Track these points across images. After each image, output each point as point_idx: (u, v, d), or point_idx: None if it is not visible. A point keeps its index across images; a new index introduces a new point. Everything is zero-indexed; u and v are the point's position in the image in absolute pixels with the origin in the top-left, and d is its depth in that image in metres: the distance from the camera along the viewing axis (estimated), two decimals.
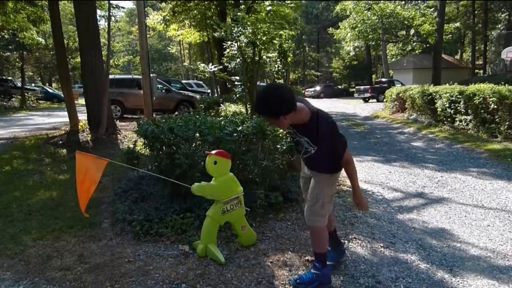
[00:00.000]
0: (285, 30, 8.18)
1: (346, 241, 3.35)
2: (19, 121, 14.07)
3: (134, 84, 14.32)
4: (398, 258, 3.09)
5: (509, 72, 22.99)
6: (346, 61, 42.60)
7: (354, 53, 36.04)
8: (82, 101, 11.76)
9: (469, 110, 8.89)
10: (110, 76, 10.66)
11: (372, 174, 5.90)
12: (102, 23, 23.95)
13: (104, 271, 2.84)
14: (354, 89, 31.85)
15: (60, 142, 8.24)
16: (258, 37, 7.13)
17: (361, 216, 4.00)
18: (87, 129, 8.61)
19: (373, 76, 39.60)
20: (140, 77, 12.10)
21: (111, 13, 10.73)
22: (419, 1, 30.02)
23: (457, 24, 26.23)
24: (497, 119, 8.08)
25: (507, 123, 7.79)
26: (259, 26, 7.18)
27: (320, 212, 2.55)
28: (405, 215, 4.10)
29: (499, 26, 32.41)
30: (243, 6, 12.98)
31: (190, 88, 21.44)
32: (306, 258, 3.02)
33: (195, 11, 16.46)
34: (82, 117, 9.75)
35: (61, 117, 13.97)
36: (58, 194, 4.77)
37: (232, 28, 7.30)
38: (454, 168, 6.12)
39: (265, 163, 3.98)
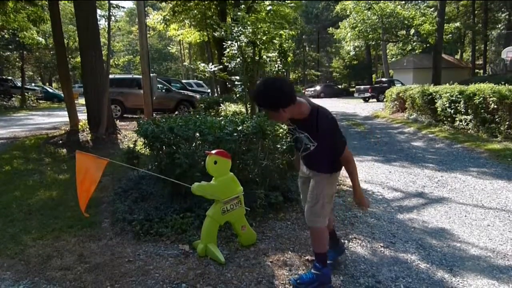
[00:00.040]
0: (285, 30, 8.18)
1: (346, 241, 3.35)
2: (19, 121, 14.07)
3: (134, 84, 14.32)
4: (398, 257, 3.09)
5: (509, 72, 22.97)
6: (346, 60, 42.59)
7: (354, 52, 36.02)
8: (82, 100, 11.76)
9: (469, 110, 8.88)
10: (110, 76, 10.67)
11: (372, 174, 5.90)
12: (102, 23, 23.95)
13: (104, 271, 2.84)
14: (354, 89, 31.84)
15: (60, 141, 8.24)
16: (258, 36, 7.13)
17: (361, 216, 4.00)
18: (87, 129, 8.61)
19: (373, 75, 39.57)
20: (140, 76, 12.10)
21: (111, 13, 10.74)
22: (419, 1, 30.05)
23: (457, 24, 26.25)
24: (497, 119, 8.08)
25: (507, 123, 7.79)
26: (259, 26, 7.18)
27: (321, 212, 2.54)
28: (405, 215, 4.10)
29: (499, 26, 32.41)
30: (243, 5, 12.98)
31: (190, 88, 21.43)
32: (306, 257, 3.01)
33: (195, 11, 16.47)
34: (82, 116, 9.75)
35: (61, 117, 13.97)
36: (58, 193, 4.77)
37: (232, 28, 7.30)
38: (454, 168, 6.12)
39: (265, 163, 3.99)
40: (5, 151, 7.55)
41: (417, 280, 2.75)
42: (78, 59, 13.66)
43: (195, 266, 2.89)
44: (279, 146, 4.21)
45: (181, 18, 17.59)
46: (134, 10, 31.59)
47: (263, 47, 7.42)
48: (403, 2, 27.98)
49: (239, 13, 7.25)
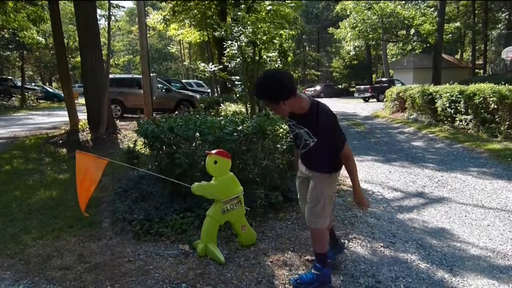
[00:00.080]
0: (285, 30, 8.18)
1: (346, 241, 3.35)
2: (19, 121, 14.07)
3: (134, 84, 14.31)
4: (398, 257, 3.08)
5: (509, 72, 22.97)
6: (346, 60, 42.57)
7: (354, 52, 36.03)
8: (82, 100, 11.75)
9: (469, 110, 8.88)
10: (110, 76, 10.66)
11: (372, 174, 5.90)
12: (102, 23, 23.92)
13: (104, 271, 2.84)
14: (354, 89, 31.84)
15: (60, 141, 8.24)
16: (258, 36, 7.13)
17: (361, 215, 4.00)
18: (87, 129, 8.61)
19: (373, 75, 39.57)
20: (140, 76, 12.10)
21: (111, 13, 10.74)
22: (419, 1, 30.06)
23: (457, 24, 26.25)
24: (497, 119, 8.08)
25: (507, 122, 7.78)
26: (259, 26, 7.18)
27: (321, 213, 2.53)
28: (405, 214, 4.10)
29: (499, 25, 32.41)
30: (243, 5, 12.98)
31: (190, 88, 21.43)
32: (306, 257, 3.01)
33: (195, 11, 16.45)
34: (82, 116, 9.75)
35: (61, 117, 13.97)
36: (58, 193, 4.77)
37: (232, 28, 7.30)
38: (454, 167, 6.12)
39: (265, 163, 3.99)
40: (5, 151, 7.55)
41: (417, 280, 2.75)
42: (78, 58, 13.66)
43: (195, 266, 2.89)
44: (279, 146, 4.21)
45: (181, 18, 17.58)
46: (134, 9, 31.59)
47: (263, 47, 7.42)
48: (403, 2, 27.99)
49: (239, 13, 7.25)
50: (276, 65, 7.76)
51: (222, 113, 8.68)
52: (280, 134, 4.27)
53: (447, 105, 9.67)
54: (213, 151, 2.98)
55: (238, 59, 7.49)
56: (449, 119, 9.79)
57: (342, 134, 2.44)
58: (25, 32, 14.01)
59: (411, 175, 5.73)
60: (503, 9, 31.20)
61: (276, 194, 3.94)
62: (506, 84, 8.34)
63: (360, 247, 3.28)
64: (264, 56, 7.67)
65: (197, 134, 3.87)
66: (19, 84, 24.09)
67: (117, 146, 7.79)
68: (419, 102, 11.62)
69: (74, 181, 3.01)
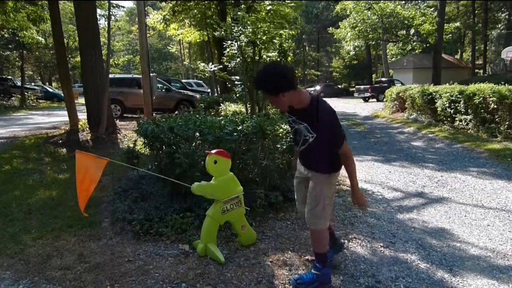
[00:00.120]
0: (285, 30, 8.17)
1: (346, 241, 3.35)
2: (19, 120, 14.07)
3: (134, 84, 14.31)
4: (398, 257, 3.08)
5: (509, 72, 22.97)
6: (346, 60, 42.57)
7: (354, 52, 36.04)
8: (82, 100, 11.75)
9: (469, 110, 8.89)
10: (110, 76, 10.66)
11: (372, 174, 5.90)
12: (102, 22, 23.88)
13: (104, 271, 2.84)
14: (354, 89, 31.85)
15: (60, 141, 8.24)
16: (258, 36, 7.12)
17: (361, 215, 4.00)
18: (87, 129, 8.61)
19: (373, 75, 39.56)
20: (140, 76, 12.10)
21: (111, 13, 10.74)
22: (419, 1, 30.05)
23: (457, 24, 26.25)
24: (497, 119, 8.08)
25: (507, 122, 7.79)
26: (259, 26, 7.17)
27: (321, 214, 2.52)
28: (405, 214, 4.10)
29: (499, 25, 32.40)
30: (243, 5, 12.96)
31: (190, 88, 21.44)
32: (306, 257, 3.01)
33: (195, 11, 16.45)
34: (82, 116, 9.75)
35: (61, 117, 13.97)
36: (58, 193, 4.77)
37: (232, 28, 7.29)
38: (454, 167, 6.12)
39: (265, 163, 3.98)
40: (5, 151, 7.55)
41: (417, 280, 2.75)
42: (78, 58, 13.67)
43: (195, 266, 2.89)
44: (279, 146, 4.21)
45: (181, 18, 17.57)
46: (134, 9, 31.58)
47: (263, 46, 7.42)
48: (403, 2, 27.99)
49: (239, 13, 7.25)
50: None
51: (222, 113, 8.68)
52: (280, 134, 4.26)
53: (447, 105, 9.67)
54: (213, 151, 2.98)
55: (238, 59, 7.49)
56: (449, 119, 9.79)
57: (342, 130, 2.43)
58: (25, 32, 14.01)
59: (411, 175, 5.73)
60: (503, 9, 31.20)
61: (276, 194, 3.94)
62: (506, 84, 8.34)
63: (360, 247, 3.28)
64: (264, 56, 7.67)
65: (197, 134, 3.87)
66: (19, 84, 24.09)
67: (117, 146, 7.79)
68: (419, 102, 11.62)
69: (74, 181, 3.01)
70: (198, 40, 19.37)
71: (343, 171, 2.60)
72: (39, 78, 36.11)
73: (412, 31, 26.73)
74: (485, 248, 3.24)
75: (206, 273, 2.78)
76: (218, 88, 16.34)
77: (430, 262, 3.01)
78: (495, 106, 7.98)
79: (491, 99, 8.03)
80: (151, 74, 11.64)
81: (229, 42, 7.50)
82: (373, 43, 30.09)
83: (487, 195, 4.68)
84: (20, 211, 4.14)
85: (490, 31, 31.28)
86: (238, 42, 7.22)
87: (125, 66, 41.73)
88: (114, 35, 45.89)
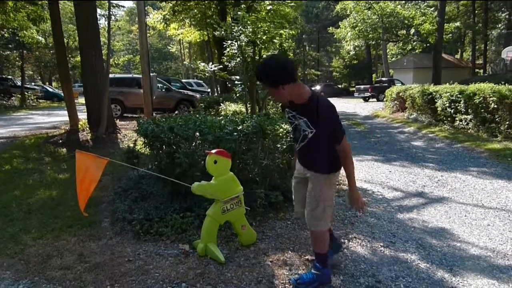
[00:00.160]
0: (285, 29, 8.17)
1: (346, 241, 3.35)
2: (19, 120, 14.07)
3: (134, 83, 14.31)
4: (398, 257, 3.08)
5: (509, 72, 22.96)
6: (346, 60, 42.55)
7: (354, 52, 36.02)
8: (82, 100, 11.75)
9: (469, 110, 8.88)
10: (110, 75, 10.66)
11: (372, 174, 5.90)
12: (102, 22, 23.85)
13: (104, 270, 2.84)
14: (354, 89, 31.85)
15: (60, 141, 8.24)
16: (258, 36, 7.12)
17: (361, 215, 4.00)
18: (87, 128, 8.61)
19: (373, 75, 39.54)
20: (140, 76, 12.10)
21: (111, 12, 10.73)
22: (419, 1, 29.99)
23: (457, 24, 26.25)
24: (497, 119, 8.08)
25: (507, 122, 7.78)
26: (259, 25, 7.17)
27: (322, 216, 2.51)
28: (405, 214, 4.10)
29: (499, 25, 32.39)
30: (243, 5, 12.96)
31: (190, 87, 21.44)
32: (306, 257, 3.01)
33: (195, 10, 16.45)
34: (82, 116, 9.75)
35: (61, 116, 13.97)
36: (58, 193, 4.77)
37: (232, 27, 7.29)
38: (454, 167, 6.12)
39: (265, 162, 3.98)
40: (5, 151, 7.55)
41: (417, 279, 2.75)
42: (78, 58, 13.66)
43: (195, 266, 2.89)
44: (279, 145, 4.20)
45: (181, 18, 17.58)
46: (134, 9, 31.56)
47: (263, 46, 7.41)
48: (403, 1, 27.95)
49: (239, 13, 7.24)
50: None
51: (222, 113, 8.68)
52: (280, 134, 4.26)
53: (447, 105, 9.67)
54: (213, 151, 2.98)
55: (238, 59, 7.48)
56: (449, 119, 9.79)
57: (341, 127, 2.43)
58: (25, 31, 14.02)
59: (411, 175, 5.73)
60: (503, 9, 31.19)
61: (276, 194, 3.93)
62: (506, 84, 8.34)
63: (360, 246, 3.28)
64: (264, 56, 7.66)
65: (197, 133, 3.87)
66: (19, 83, 24.10)
67: (117, 145, 7.79)
68: (419, 102, 11.62)
69: (74, 180, 3.01)
70: (198, 40, 19.38)
71: (343, 171, 2.60)
72: (39, 78, 36.12)
73: (412, 30, 26.71)
74: (485, 248, 3.24)
75: (206, 273, 2.78)
76: (218, 88, 16.34)
77: (430, 261, 3.00)
78: (495, 106, 7.98)
79: (491, 99, 8.03)
80: (151, 74, 11.65)
81: (229, 42, 7.50)
82: (373, 43, 30.08)
83: (487, 194, 4.68)
84: (20, 211, 4.14)
85: (490, 31, 31.27)
86: (238, 42, 7.22)
87: (125, 66, 41.71)
88: (114, 35, 45.89)
